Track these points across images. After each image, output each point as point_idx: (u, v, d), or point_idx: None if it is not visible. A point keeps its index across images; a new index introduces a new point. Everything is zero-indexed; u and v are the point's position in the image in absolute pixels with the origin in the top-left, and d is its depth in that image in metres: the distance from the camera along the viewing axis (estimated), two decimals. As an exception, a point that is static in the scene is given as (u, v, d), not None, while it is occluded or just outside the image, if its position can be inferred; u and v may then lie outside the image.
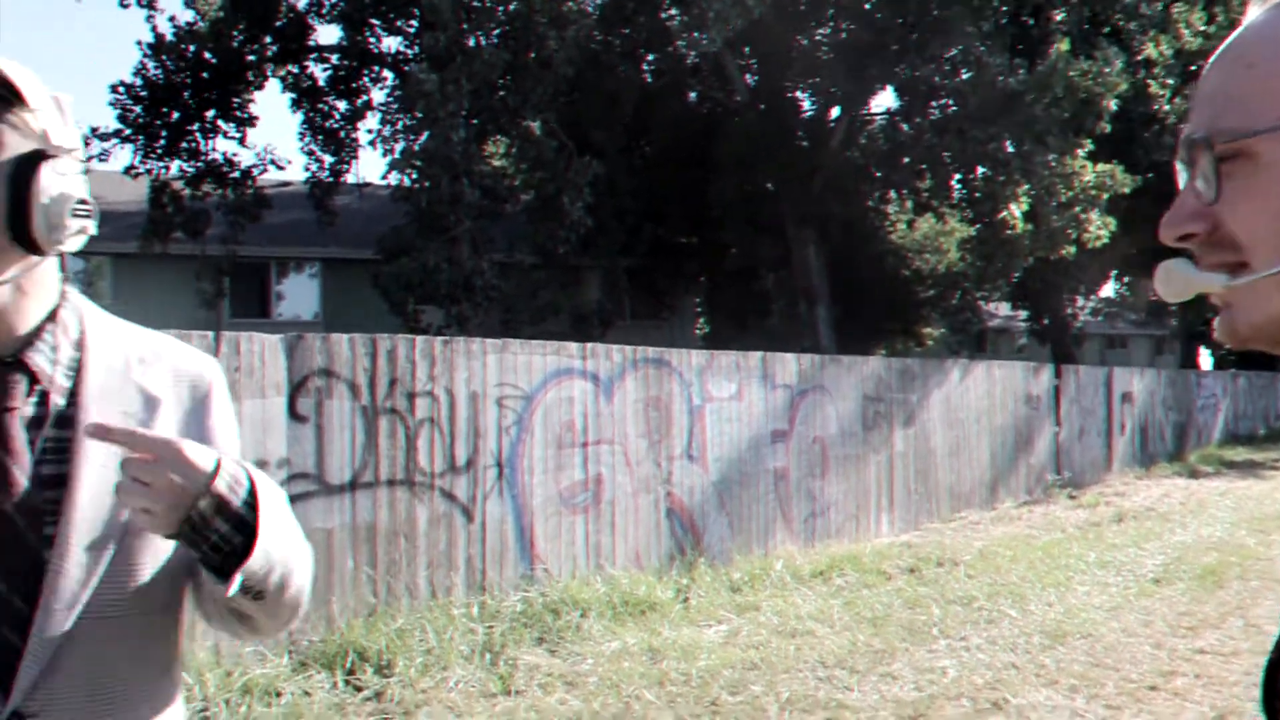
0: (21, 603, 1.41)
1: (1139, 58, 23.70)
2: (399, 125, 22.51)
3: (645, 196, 24.87)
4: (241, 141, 25.64)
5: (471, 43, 18.99)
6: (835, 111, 24.73)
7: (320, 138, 25.82)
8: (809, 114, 25.62)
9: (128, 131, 24.88)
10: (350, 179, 27.22)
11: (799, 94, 25.52)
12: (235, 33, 24.14)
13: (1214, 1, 25.23)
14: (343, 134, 26.25)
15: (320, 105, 25.92)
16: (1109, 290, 42.86)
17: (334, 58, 25.53)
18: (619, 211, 23.80)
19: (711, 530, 10.29)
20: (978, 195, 23.07)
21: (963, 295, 26.70)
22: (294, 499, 6.74)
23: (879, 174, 24.07)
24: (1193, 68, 24.30)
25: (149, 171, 25.05)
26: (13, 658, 1.39)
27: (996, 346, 47.23)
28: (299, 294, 29.51)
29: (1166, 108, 25.25)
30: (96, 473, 1.46)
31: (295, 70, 25.52)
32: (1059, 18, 21.31)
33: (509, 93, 19.37)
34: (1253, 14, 0.94)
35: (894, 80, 23.41)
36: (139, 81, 24.63)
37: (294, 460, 6.92)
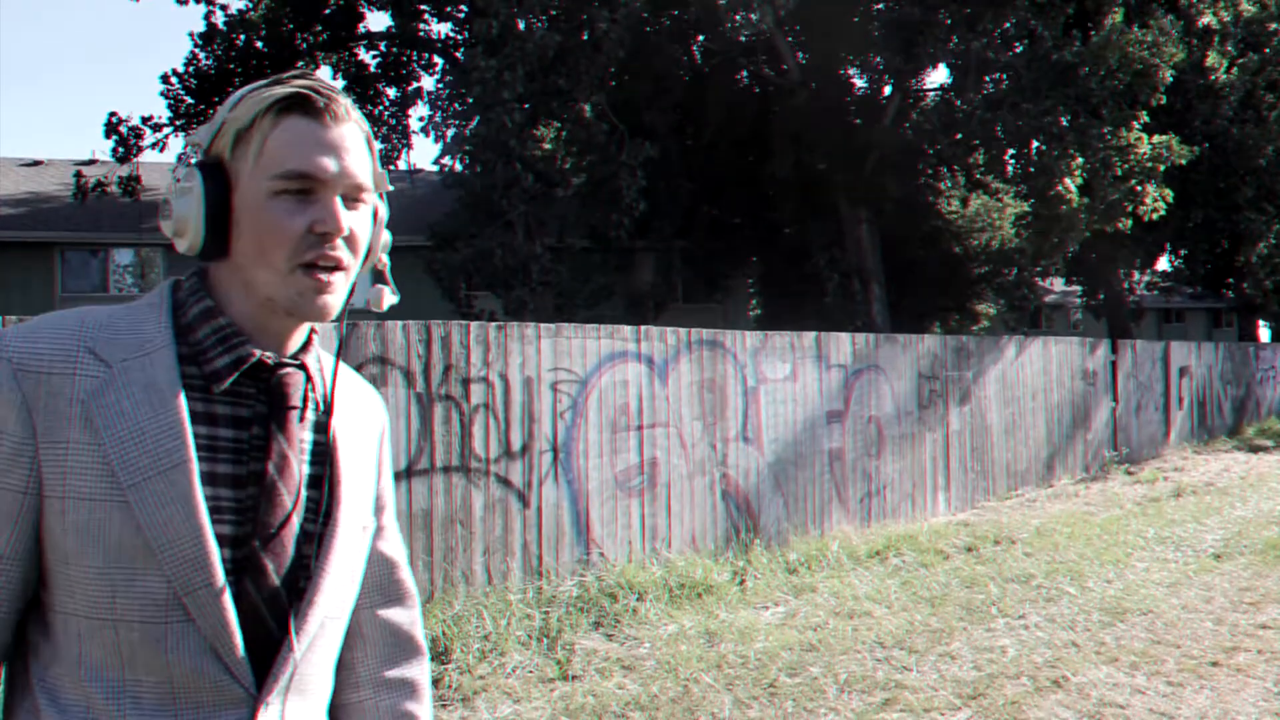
0: (286, 594, 1.49)
1: (1197, 27, 23.34)
2: (450, 111, 22.61)
3: (698, 178, 24.84)
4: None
5: (522, 26, 19.04)
6: (888, 89, 24.56)
7: (370, 124, 26.07)
8: (861, 92, 25.49)
9: (180, 122, 25.14)
10: (400, 165, 27.36)
11: (851, 72, 25.37)
12: (286, 20, 24.32)
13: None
14: (393, 120, 26.40)
15: (370, 91, 26.08)
16: (1165, 264, 42.25)
17: (383, 44, 25.66)
18: (672, 193, 23.79)
19: (767, 512, 10.30)
20: (1032, 170, 22.86)
21: (1017, 272, 26.48)
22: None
23: (932, 151, 23.89)
24: (1251, 38, 23.90)
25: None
26: (272, 647, 1.48)
27: (1052, 322, 46.82)
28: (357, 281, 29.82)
29: (1224, 77, 24.85)
30: (351, 479, 1.61)
31: (346, 57, 25.67)
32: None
33: (561, 76, 19.39)
34: None
35: (946, 56, 23.21)
36: (190, 71, 24.88)
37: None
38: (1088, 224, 22.55)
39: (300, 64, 24.95)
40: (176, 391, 1.43)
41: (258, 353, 1.50)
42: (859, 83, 25.70)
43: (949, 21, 21.59)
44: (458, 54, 23.69)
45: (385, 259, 1.66)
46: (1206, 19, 23.29)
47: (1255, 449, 19.89)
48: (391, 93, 26.36)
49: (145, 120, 25.58)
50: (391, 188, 1.67)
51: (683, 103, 24.06)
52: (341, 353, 1.62)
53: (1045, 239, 23.89)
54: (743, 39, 24.44)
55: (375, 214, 1.61)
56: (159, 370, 1.44)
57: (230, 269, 1.51)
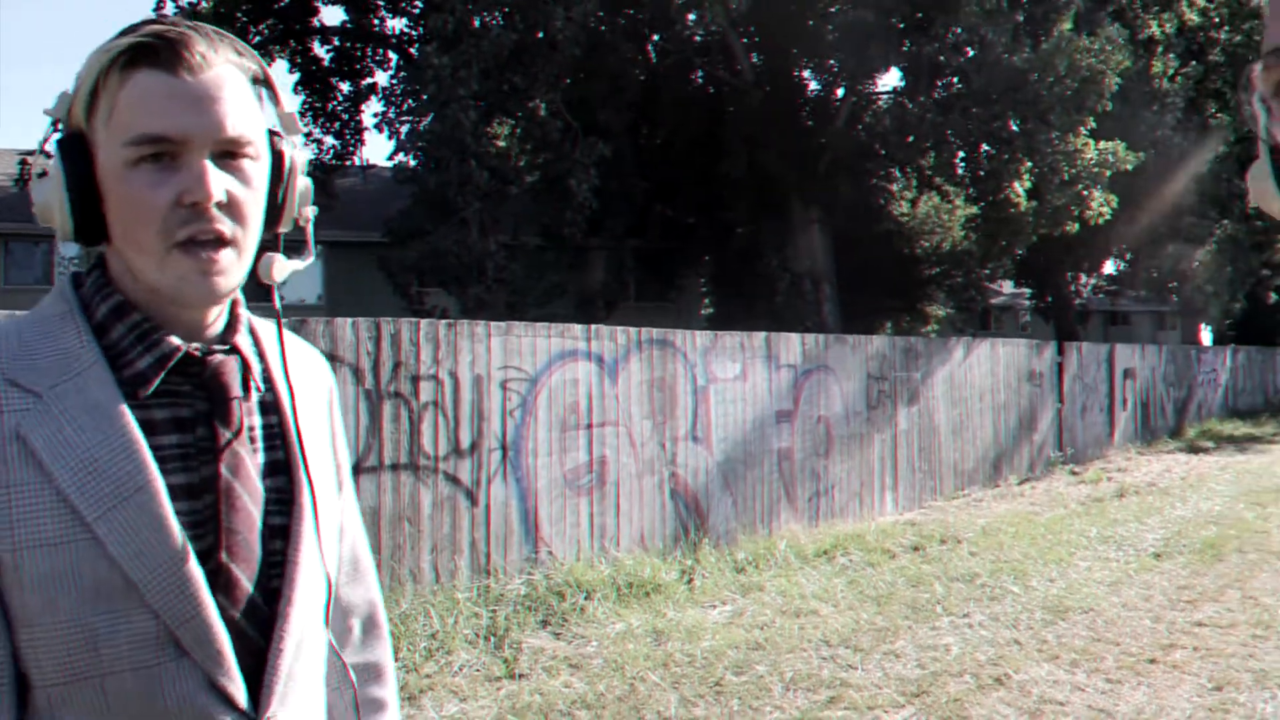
0: (262, 600, 1.36)
1: (1142, 36, 23.70)
2: (404, 107, 22.53)
3: (652, 177, 24.91)
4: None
5: (478, 23, 19.02)
6: (840, 91, 24.73)
7: (323, 120, 25.84)
8: (814, 93, 25.64)
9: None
10: (355, 161, 27.23)
11: (805, 74, 25.53)
12: (238, 12, 24.14)
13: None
14: (346, 116, 26.25)
15: (323, 87, 25.92)
16: (1111, 267, 42.84)
17: (337, 39, 25.53)
18: (626, 192, 23.84)
19: (716, 511, 10.36)
20: (981, 174, 23.12)
21: (967, 273, 26.76)
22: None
23: (884, 153, 24.09)
24: (1195, 46, 24.29)
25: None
26: (259, 661, 1.35)
27: (1001, 324, 47.30)
28: (301, 277, 29.58)
29: (1168, 85, 25.23)
30: (310, 459, 1.45)
31: (299, 51, 25.51)
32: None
33: (516, 74, 19.40)
34: None
35: (898, 59, 23.41)
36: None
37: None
38: (1035, 227, 22.85)
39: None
40: (120, 407, 1.29)
41: (182, 345, 1.35)
42: (812, 84, 25.88)
43: (901, 25, 21.79)
44: (412, 50, 23.62)
45: (309, 213, 1.47)
46: (1151, 29, 23.66)
47: (1196, 450, 20.21)
48: (345, 88, 26.21)
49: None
50: (305, 129, 1.48)
51: (637, 102, 24.12)
52: (255, 328, 1.47)
53: (994, 241, 24.19)
54: (697, 39, 24.52)
55: (284, 165, 1.41)
56: (94, 388, 1.30)
57: (115, 252, 1.35)
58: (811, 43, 23.56)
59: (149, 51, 1.28)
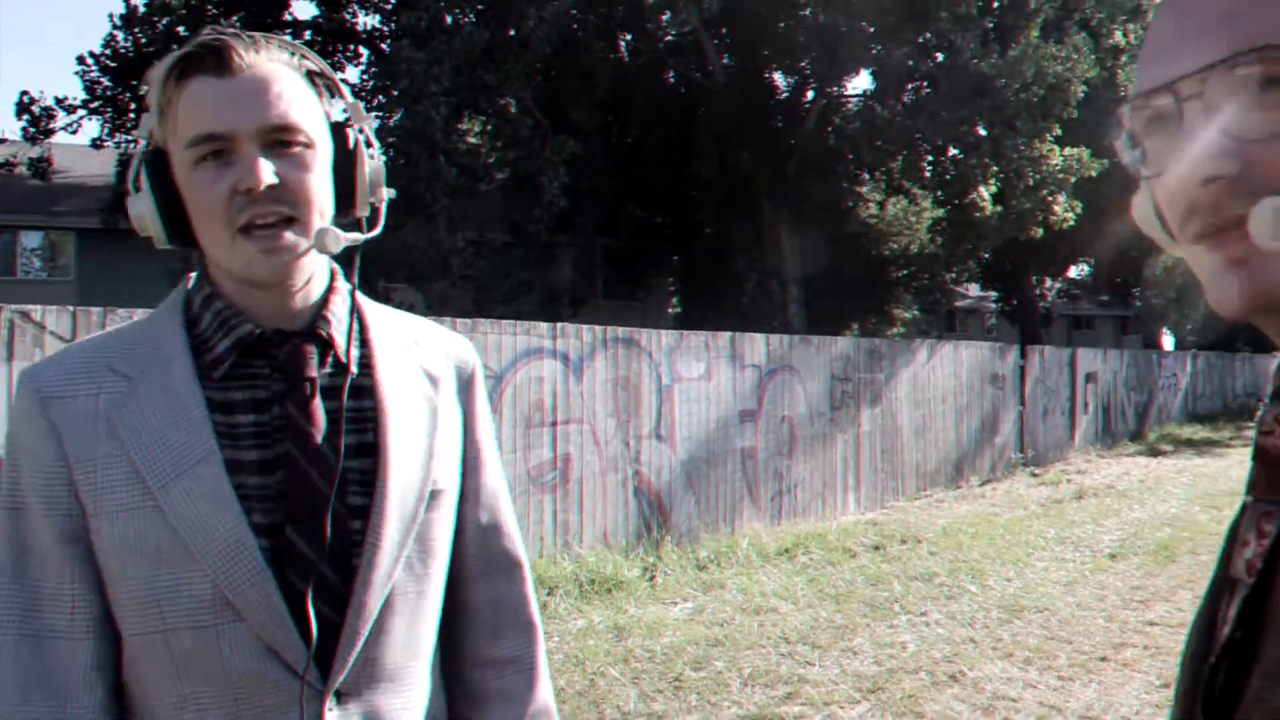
0: (335, 576, 1.41)
1: (1107, 45, 23.97)
2: (375, 103, 22.49)
3: (622, 176, 24.96)
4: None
5: (450, 20, 19.03)
6: (811, 93, 24.87)
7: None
8: (785, 95, 25.74)
9: (95, 104, 24.72)
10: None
11: (776, 75, 25.64)
12: (208, 5, 24.04)
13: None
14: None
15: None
16: (1075, 272, 43.26)
17: (308, 33, 25.43)
18: (596, 190, 23.89)
19: (679, 509, 10.45)
20: (949, 177, 23.31)
21: (933, 276, 26.96)
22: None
23: (853, 156, 24.23)
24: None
25: (117, 145, 24.85)
26: (332, 634, 1.40)
27: (966, 326, 47.63)
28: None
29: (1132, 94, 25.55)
30: (401, 441, 1.48)
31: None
32: (1031, 5, 21.50)
33: (488, 71, 19.42)
34: None
35: (868, 63, 23.56)
36: (108, 53, 24.47)
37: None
38: (1001, 231, 23.06)
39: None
40: (193, 389, 1.40)
41: (255, 329, 1.44)
42: (783, 86, 25.98)
43: (872, 30, 21.92)
44: (384, 46, 23.58)
45: (384, 193, 1.54)
46: (1116, 38, 23.92)
47: (1156, 453, 20.47)
48: (318, 83, 26.14)
49: (59, 101, 25.16)
50: (368, 117, 1.53)
51: (609, 101, 24.16)
52: (356, 306, 1.53)
53: (960, 244, 24.38)
54: (669, 39, 24.60)
55: (349, 149, 1.49)
56: (175, 373, 1.42)
57: (203, 249, 1.46)
58: (783, 45, 23.66)
59: (197, 60, 1.38)
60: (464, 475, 1.61)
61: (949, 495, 14.51)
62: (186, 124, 1.38)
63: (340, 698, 1.41)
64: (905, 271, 27.23)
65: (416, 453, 1.50)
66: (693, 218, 26.26)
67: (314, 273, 1.49)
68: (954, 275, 27.98)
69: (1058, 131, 22.00)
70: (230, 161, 1.37)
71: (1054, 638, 7.38)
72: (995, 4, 21.83)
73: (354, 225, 1.52)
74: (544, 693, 1.67)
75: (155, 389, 1.40)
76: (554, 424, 9.18)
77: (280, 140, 1.39)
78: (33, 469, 1.38)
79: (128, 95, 24.65)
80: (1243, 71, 0.78)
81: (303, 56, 1.47)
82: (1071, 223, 23.05)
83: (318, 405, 1.45)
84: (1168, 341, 43.80)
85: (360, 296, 1.55)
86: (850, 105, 25.57)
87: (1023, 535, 11.18)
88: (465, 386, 1.63)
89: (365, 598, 1.42)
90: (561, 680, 6.32)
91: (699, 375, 10.83)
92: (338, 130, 1.49)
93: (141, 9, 24.01)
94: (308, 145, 1.41)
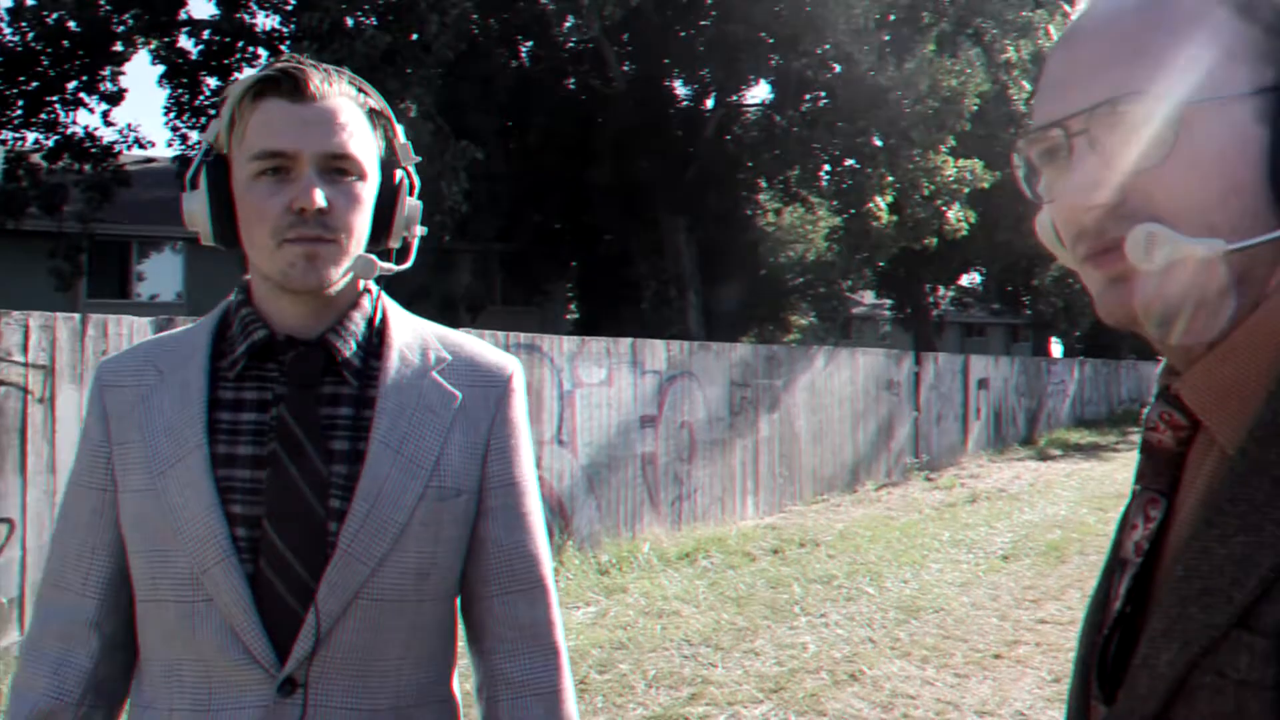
0: (306, 573, 1.49)
1: (1000, 60, 24.51)
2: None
3: (521, 182, 24.91)
4: (106, 116, 24.88)
5: (351, 23, 18.83)
6: (710, 102, 25.06)
7: (189, 114, 25.22)
8: (685, 104, 25.90)
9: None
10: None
11: (675, 84, 25.79)
12: (100, 2, 23.45)
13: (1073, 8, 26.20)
14: (213, 111, 25.60)
15: (191, 81, 25.29)
16: (968, 280, 44.13)
17: (207, 33, 24.95)
18: (494, 196, 23.80)
19: (580, 514, 10.48)
20: (845, 187, 23.64)
21: (829, 284, 27.31)
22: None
23: (751, 164, 24.47)
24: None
25: (2, 143, 24.14)
26: (294, 625, 1.48)
27: (861, 333, 48.26)
28: (161, 274, 28.89)
29: (1023, 108, 26.15)
30: (388, 454, 1.55)
31: (166, 43, 24.83)
32: (926, 20, 21.92)
33: (389, 75, 19.25)
34: None
35: (768, 73, 23.81)
36: (-9, 46, 23.75)
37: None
38: (896, 240, 23.45)
39: (120, 47, 24.07)
40: (200, 387, 1.55)
41: (268, 334, 1.57)
42: (683, 95, 26.16)
43: (771, 40, 22.17)
44: (283, 47, 23.23)
45: (417, 231, 1.68)
46: (1008, 53, 24.49)
47: (1046, 457, 21.00)
48: (213, 83, 25.58)
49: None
50: (418, 158, 1.68)
51: (509, 106, 24.12)
52: (384, 321, 1.65)
53: (856, 253, 24.76)
54: (571, 45, 24.63)
55: (393, 185, 1.63)
56: (192, 371, 1.57)
57: (248, 254, 1.58)
58: (683, 54, 23.83)
59: (274, 83, 1.52)
60: (487, 492, 1.64)
61: (846, 499, 14.73)
62: (255, 139, 1.51)
63: (295, 686, 1.48)
64: (802, 279, 27.56)
65: (410, 466, 1.56)
66: (591, 224, 26.30)
67: (343, 289, 1.60)
68: (850, 283, 28.38)
69: (951, 143, 22.45)
70: (288, 179, 1.50)
71: (950, 636, 7.56)
72: (891, 18, 22.20)
73: (385, 254, 1.66)
74: (562, 718, 1.66)
75: (174, 384, 1.57)
76: (457, 429, 9.14)
77: (337, 168, 1.52)
78: (87, 446, 1.59)
79: (14, 91, 23.92)
80: (1120, 110, 0.90)
81: (367, 94, 1.61)
82: (965, 232, 23.55)
83: (315, 410, 1.56)
84: (1056, 349, 44.87)
85: (396, 311, 1.68)
86: (749, 115, 25.82)
87: (918, 538, 11.40)
88: (496, 401, 1.67)
89: (329, 597, 1.49)
90: (467, 684, 6.30)
91: (600, 381, 10.87)
92: (386, 166, 1.62)
93: (31, 1, 23.33)
94: (359, 177, 1.55)
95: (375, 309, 1.66)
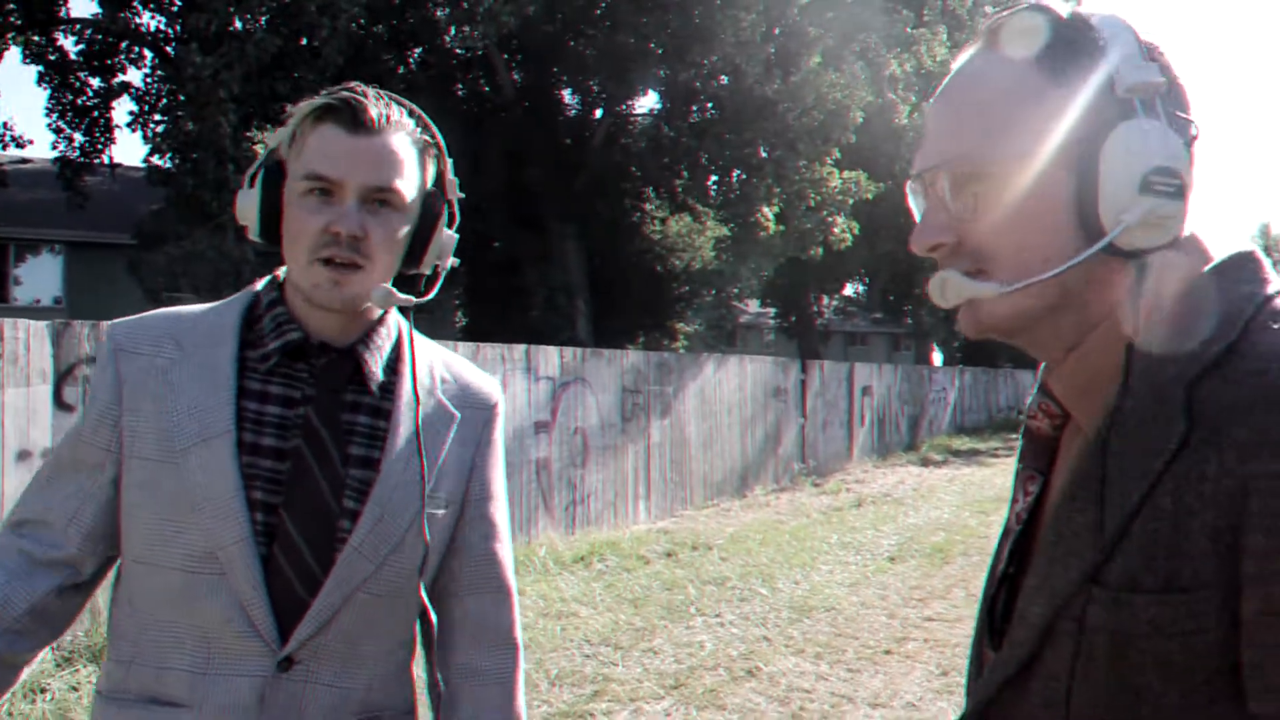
0: (315, 564, 1.62)
1: (884, 74, 25.07)
2: (160, 107, 21.75)
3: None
4: (-22, 115, 24.15)
5: (240, 26, 18.59)
6: (599, 111, 25.21)
7: (70, 115, 24.61)
8: (574, 113, 26.00)
9: None
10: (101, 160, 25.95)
11: (565, 93, 25.88)
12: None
13: (954, 28, 26.94)
14: (96, 112, 25.02)
15: (71, 80, 24.65)
16: (851, 290, 44.92)
17: (88, 32, 24.35)
18: (381, 202, 23.66)
19: (477, 518, 10.50)
20: (733, 197, 23.94)
21: (716, 292, 27.59)
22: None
23: (639, 173, 24.66)
24: (932, 86, 25.82)
25: None
26: (299, 611, 1.61)
27: (747, 342, 48.77)
28: (40, 277, 28.16)
29: (906, 121, 26.77)
30: (400, 465, 1.69)
31: (43, 43, 24.19)
32: (812, 34, 22.32)
33: (279, 79, 19.04)
34: (965, 58, 1.15)
35: (656, 83, 24.03)
36: None
37: (60, 449, 6.78)
38: (783, 250, 23.82)
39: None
40: (229, 373, 1.65)
41: (301, 336, 1.68)
42: (572, 104, 26.26)
43: (660, 51, 22.38)
44: (168, 48, 22.81)
45: (449, 263, 1.79)
46: (891, 68, 25.08)
47: (928, 463, 21.49)
48: (95, 83, 24.98)
49: None
50: (463, 195, 1.81)
51: (395, 112, 23.97)
52: (410, 345, 1.76)
53: (743, 262, 25.08)
54: (460, 52, 24.58)
55: (432, 217, 1.73)
56: (220, 354, 1.66)
57: (286, 261, 1.69)
58: (572, 63, 23.93)
59: (335, 110, 1.63)
60: (469, 503, 1.81)
61: (736, 504, 14.96)
62: (310, 159, 1.62)
63: (290, 663, 1.62)
64: (688, 287, 27.81)
65: (416, 478, 1.71)
66: (480, 231, 26.22)
67: (370, 307, 1.72)
68: (737, 292, 28.72)
69: (837, 155, 22.88)
70: (331, 203, 1.62)
71: (841, 634, 7.79)
72: (777, 31, 22.56)
73: (414, 279, 1.78)
74: (518, 708, 1.83)
75: (200, 364, 1.65)
76: (354, 434, 9.14)
77: (379, 199, 1.64)
78: (95, 405, 1.67)
79: None
80: (946, 173, 1.09)
81: (424, 128, 1.73)
82: (849, 243, 24.02)
83: (339, 415, 1.69)
84: (937, 358, 45.84)
85: (413, 332, 1.79)
86: (638, 124, 26.01)
87: (808, 541, 11.66)
88: (484, 423, 1.84)
89: (334, 590, 1.63)
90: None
91: (496, 386, 10.90)
92: (429, 197, 1.74)
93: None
94: (399, 210, 1.67)
95: (396, 327, 1.80)
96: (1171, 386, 0.99)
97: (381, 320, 1.77)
